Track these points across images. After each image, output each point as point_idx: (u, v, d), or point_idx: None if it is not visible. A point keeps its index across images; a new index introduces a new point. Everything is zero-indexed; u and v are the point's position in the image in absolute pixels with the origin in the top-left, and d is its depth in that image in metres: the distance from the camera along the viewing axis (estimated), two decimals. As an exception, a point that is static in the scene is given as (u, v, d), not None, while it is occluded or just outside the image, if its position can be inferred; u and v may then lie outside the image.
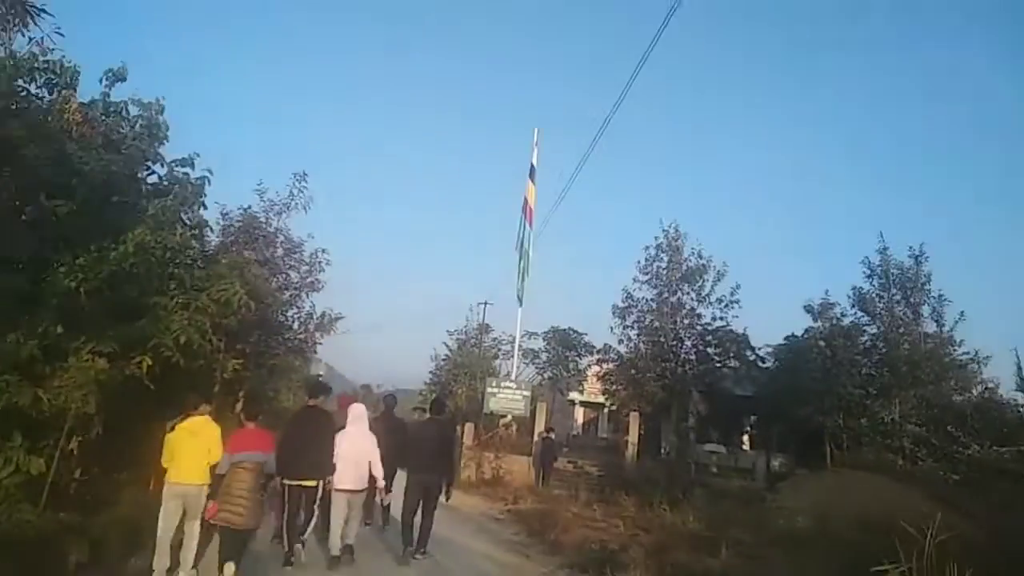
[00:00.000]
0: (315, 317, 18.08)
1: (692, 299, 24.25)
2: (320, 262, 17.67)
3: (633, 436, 22.34)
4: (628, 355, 24.19)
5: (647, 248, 24.71)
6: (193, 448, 6.81)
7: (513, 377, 26.85)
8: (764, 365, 27.29)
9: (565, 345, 32.65)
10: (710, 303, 24.14)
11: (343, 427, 7.99)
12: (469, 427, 24.01)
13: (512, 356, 29.83)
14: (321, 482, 7.61)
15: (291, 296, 17.57)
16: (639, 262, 24.67)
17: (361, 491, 7.91)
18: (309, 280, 17.73)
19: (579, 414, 45.58)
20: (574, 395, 41.68)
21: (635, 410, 23.01)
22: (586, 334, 33.13)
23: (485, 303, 31.29)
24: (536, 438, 21.91)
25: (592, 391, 42.55)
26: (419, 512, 8.21)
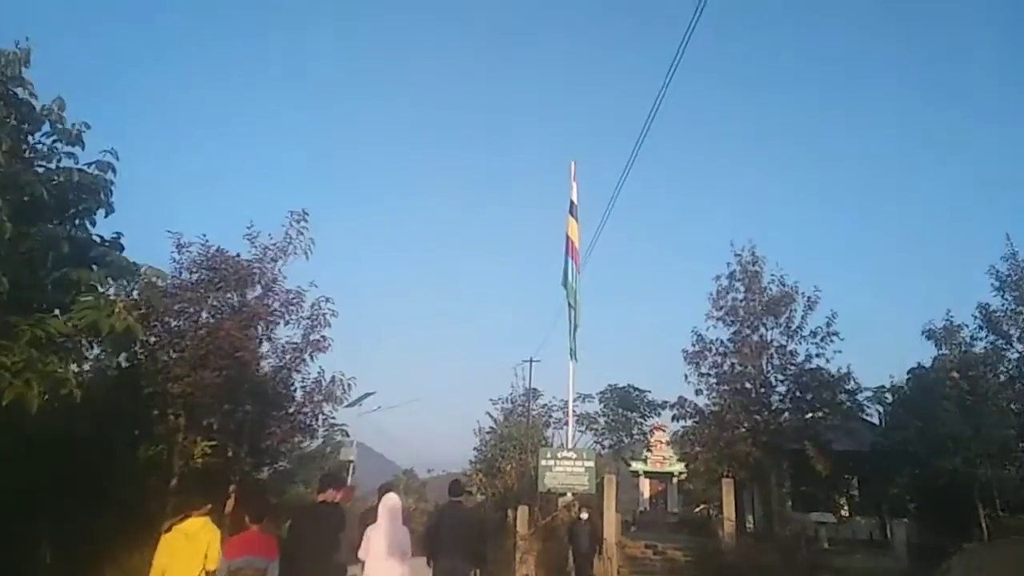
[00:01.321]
0: (324, 384, 14.53)
1: (779, 334, 20.05)
2: (323, 315, 14.26)
3: (729, 510, 17.80)
4: (712, 407, 19.86)
5: (718, 278, 20.77)
6: (188, 553, 6.14)
7: (569, 446, 22.63)
8: (866, 415, 22.75)
9: (626, 406, 28.43)
10: (803, 337, 19.89)
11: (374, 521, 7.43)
12: (522, 511, 19.73)
13: (566, 424, 25.68)
14: None
15: (291, 359, 14.11)
16: (711, 295, 20.69)
17: None
18: (313, 338, 14.29)
19: (644, 486, 40.64)
20: (638, 465, 37.03)
21: (727, 475, 18.54)
22: (649, 391, 28.96)
23: (531, 360, 27.34)
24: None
25: (657, 460, 37.89)
26: None
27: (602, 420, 28.42)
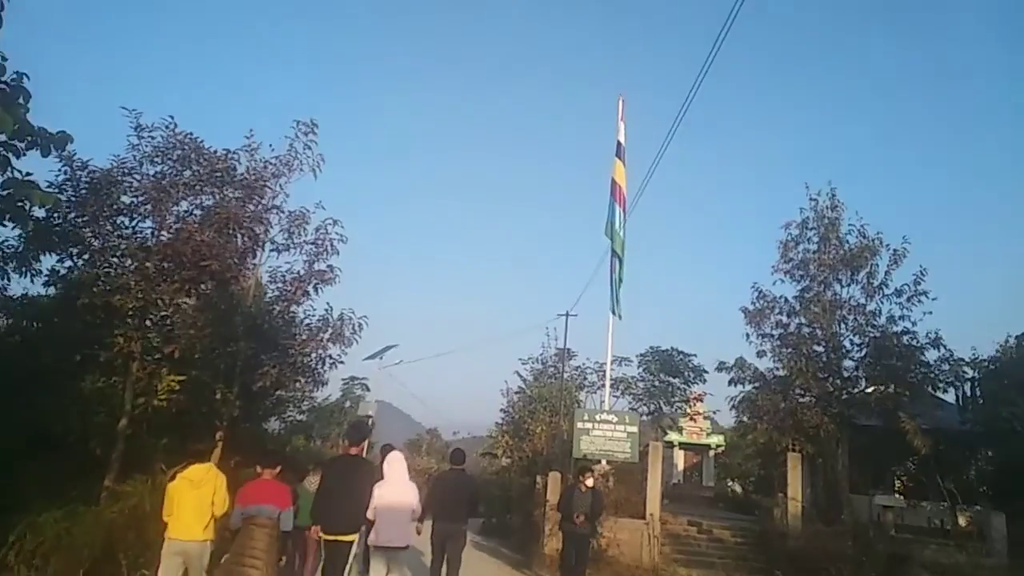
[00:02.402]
0: (332, 321, 12.42)
1: (858, 291, 17.40)
2: (330, 240, 12.09)
3: (794, 487, 15.43)
4: (776, 372, 17.37)
5: (787, 226, 18.07)
6: (194, 500, 6.02)
7: (606, 409, 20.38)
8: (939, 393, 20.02)
9: (668, 370, 25.99)
10: (885, 296, 17.23)
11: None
12: (553, 477, 17.61)
13: (601, 386, 23.41)
14: (357, 536, 6.94)
15: (293, 290, 12.00)
16: (779, 244, 18.04)
17: (403, 548, 7.10)
18: (317, 268, 12.16)
19: (679, 458, 38.49)
20: (673, 435, 34.82)
21: (793, 448, 16.13)
22: (694, 355, 26.50)
23: (567, 314, 24.92)
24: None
25: (693, 431, 35.69)
26: (444, 560, 8.38)
27: (640, 385, 26.07)
